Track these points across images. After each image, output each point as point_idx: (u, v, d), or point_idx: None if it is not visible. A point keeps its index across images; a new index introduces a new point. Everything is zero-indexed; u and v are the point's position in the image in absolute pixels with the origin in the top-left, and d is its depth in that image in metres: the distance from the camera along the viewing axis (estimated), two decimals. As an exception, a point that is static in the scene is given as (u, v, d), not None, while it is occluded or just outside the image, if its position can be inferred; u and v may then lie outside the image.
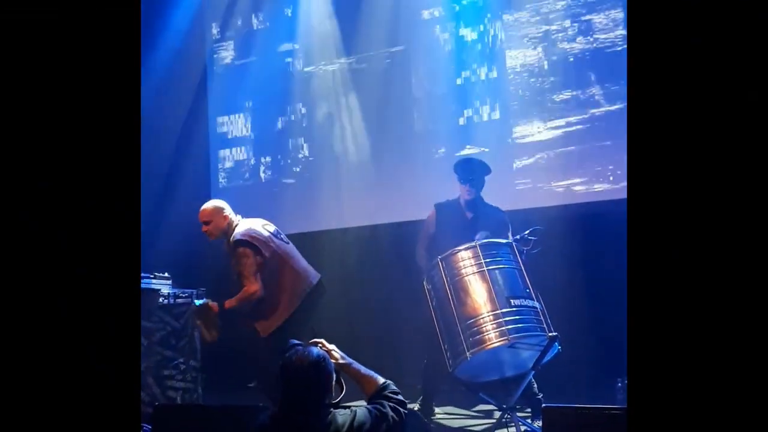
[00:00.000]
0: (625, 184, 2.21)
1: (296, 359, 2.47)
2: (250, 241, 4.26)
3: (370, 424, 2.47)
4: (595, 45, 5.41)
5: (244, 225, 4.37)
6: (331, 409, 2.49)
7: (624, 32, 5.17)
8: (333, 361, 2.60)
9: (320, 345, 2.66)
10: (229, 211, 4.41)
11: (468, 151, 5.70)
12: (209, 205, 4.42)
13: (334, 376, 2.54)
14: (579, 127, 5.43)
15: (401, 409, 2.57)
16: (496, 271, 4.02)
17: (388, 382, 2.66)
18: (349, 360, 2.69)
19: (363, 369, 2.69)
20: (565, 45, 5.52)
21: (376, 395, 2.61)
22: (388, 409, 2.54)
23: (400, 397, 2.62)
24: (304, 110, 6.54)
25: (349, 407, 2.52)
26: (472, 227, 4.47)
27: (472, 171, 4.58)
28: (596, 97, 5.37)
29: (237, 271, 4.26)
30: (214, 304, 4.31)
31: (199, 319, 4.39)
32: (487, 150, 5.61)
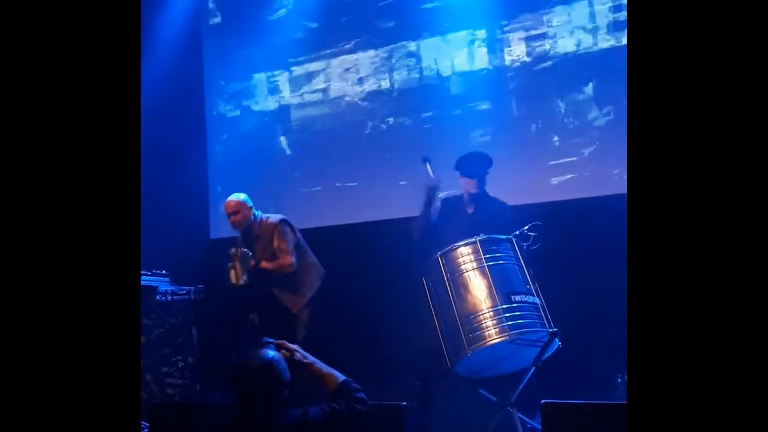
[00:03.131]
0: (625, 178, 2.19)
1: (243, 364, 2.55)
2: (290, 222, 4.84)
3: (321, 421, 2.53)
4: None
5: (270, 215, 4.85)
6: (285, 408, 2.54)
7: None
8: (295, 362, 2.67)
9: (282, 345, 2.71)
10: (251, 203, 4.87)
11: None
12: (235, 198, 4.82)
13: (287, 375, 2.59)
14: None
15: (358, 407, 2.62)
16: (497, 267, 3.99)
17: (348, 379, 2.72)
18: (312, 359, 2.75)
19: (325, 368, 2.75)
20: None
21: (336, 393, 2.67)
22: (342, 407, 2.59)
23: (360, 394, 2.67)
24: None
25: (301, 406, 2.57)
26: (472, 223, 4.42)
27: (473, 165, 4.52)
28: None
29: (275, 246, 4.71)
30: (252, 260, 4.66)
31: (237, 260, 4.65)
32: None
